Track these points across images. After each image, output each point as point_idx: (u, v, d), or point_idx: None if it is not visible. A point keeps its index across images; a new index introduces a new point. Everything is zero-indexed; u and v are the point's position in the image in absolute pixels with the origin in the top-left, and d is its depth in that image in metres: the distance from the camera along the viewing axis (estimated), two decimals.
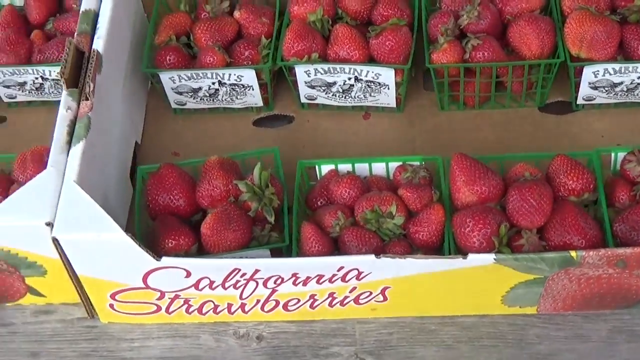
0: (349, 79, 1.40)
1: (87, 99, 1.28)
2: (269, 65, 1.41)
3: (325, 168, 1.31)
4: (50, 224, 1.17)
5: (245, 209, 1.24)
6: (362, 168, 1.31)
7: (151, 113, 1.52)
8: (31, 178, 1.28)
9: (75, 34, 1.37)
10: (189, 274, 1.19)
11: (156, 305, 1.26)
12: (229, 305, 1.25)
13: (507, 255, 1.14)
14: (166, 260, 1.17)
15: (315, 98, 1.45)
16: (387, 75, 1.38)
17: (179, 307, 1.26)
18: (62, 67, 1.30)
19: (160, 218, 1.25)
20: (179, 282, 1.21)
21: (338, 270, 1.17)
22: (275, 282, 1.20)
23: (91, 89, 1.28)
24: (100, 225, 1.16)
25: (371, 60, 1.40)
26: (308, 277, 1.19)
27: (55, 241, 1.16)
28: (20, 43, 1.47)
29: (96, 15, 1.39)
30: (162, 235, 1.22)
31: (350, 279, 1.18)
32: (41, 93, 1.50)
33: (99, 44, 1.34)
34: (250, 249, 1.23)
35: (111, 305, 1.27)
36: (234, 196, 1.25)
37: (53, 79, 1.47)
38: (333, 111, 1.48)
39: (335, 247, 1.23)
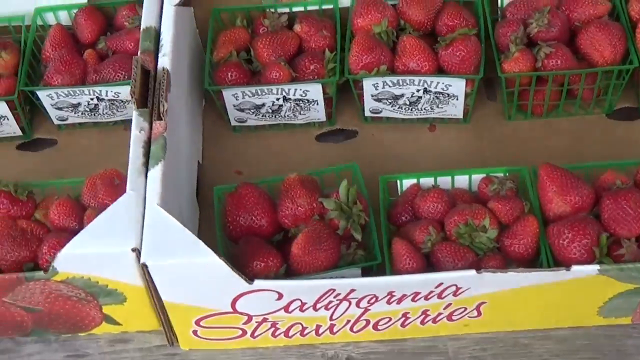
0: (418, 90, 1.37)
1: (160, 119, 1.24)
2: (336, 79, 1.38)
3: (407, 183, 1.28)
4: (136, 250, 1.14)
5: (332, 227, 1.21)
6: (442, 181, 1.28)
7: (208, 131, 1.48)
8: (104, 203, 1.24)
9: (139, 52, 1.33)
10: (280, 297, 1.15)
11: (242, 329, 1.22)
12: (318, 327, 1.22)
13: (612, 266, 1.12)
14: (258, 284, 1.13)
15: (380, 111, 1.43)
16: (457, 86, 1.36)
17: (265, 331, 1.23)
18: (132, 87, 1.26)
19: (246, 240, 1.21)
20: (269, 305, 1.17)
21: (436, 287, 1.14)
22: (368, 302, 1.17)
23: (165, 108, 1.24)
24: (192, 249, 1.12)
25: (440, 71, 1.37)
26: (404, 295, 1.16)
27: (144, 267, 1.12)
28: (75, 63, 1.43)
29: (157, 33, 1.36)
30: (250, 258, 1.19)
31: (447, 295, 1.16)
32: (94, 114, 1.46)
33: (165, 62, 1.30)
34: (341, 269, 1.19)
35: (194, 332, 1.23)
36: (318, 214, 1.22)
37: (109, 100, 1.42)
38: (397, 124, 1.45)
39: (427, 263, 1.20)
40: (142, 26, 1.36)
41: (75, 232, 1.22)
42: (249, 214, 1.23)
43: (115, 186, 1.26)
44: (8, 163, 1.47)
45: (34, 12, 1.50)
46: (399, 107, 1.41)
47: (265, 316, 1.20)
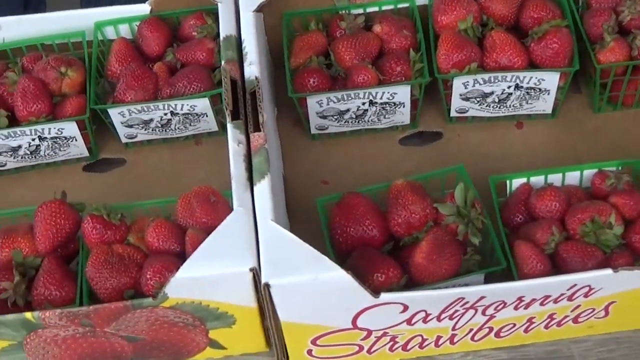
0: (509, 87, 1.33)
1: (259, 130, 1.18)
2: (425, 79, 1.33)
3: (516, 182, 1.23)
4: (253, 270, 1.07)
5: (450, 233, 1.16)
6: (552, 179, 1.24)
7: (285, 141, 1.42)
8: (202, 222, 1.18)
9: (223, 61, 1.27)
10: (405, 309, 1.10)
11: (359, 346, 1.17)
12: (438, 338, 1.16)
13: None
14: (385, 297, 1.08)
15: (467, 110, 1.38)
16: (551, 80, 1.31)
17: (383, 346, 1.17)
18: (225, 99, 1.20)
19: (360, 252, 1.16)
20: (392, 319, 1.12)
21: (568, 289, 1.10)
22: (495, 309, 1.12)
23: (265, 119, 1.18)
24: (316, 265, 1.06)
25: (531, 66, 1.33)
26: (533, 300, 1.11)
27: (266, 287, 1.06)
28: (147, 77, 1.36)
29: (238, 41, 1.30)
30: (369, 270, 1.13)
31: (578, 297, 1.11)
32: (166, 130, 1.39)
33: (254, 71, 1.25)
34: (465, 276, 1.14)
35: (309, 352, 1.17)
36: (432, 221, 1.17)
37: (184, 114, 1.36)
38: (482, 123, 1.40)
39: (552, 264, 1.15)
40: (222, 35, 1.31)
41: (177, 255, 1.17)
42: (359, 225, 1.18)
43: (212, 203, 1.20)
44: (76, 186, 1.40)
45: (94, 27, 1.43)
46: (486, 105, 1.36)
47: (386, 330, 1.14)
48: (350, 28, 1.39)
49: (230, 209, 1.21)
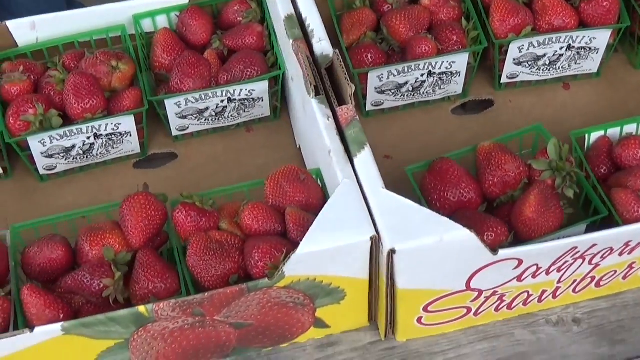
0: (561, 48, 1.35)
1: (347, 103, 1.17)
2: (483, 46, 1.34)
3: (594, 136, 1.26)
4: (374, 238, 1.06)
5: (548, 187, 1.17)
6: (628, 130, 1.27)
7: None
8: (297, 200, 1.16)
9: (291, 40, 1.25)
10: (519, 264, 1.11)
11: (467, 308, 1.17)
12: (542, 293, 1.18)
13: None
14: (502, 253, 1.08)
15: (518, 75, 1.40)
16: (602, 39, 1.35)
17: (489, 306, 1.17)
18: (308, 76, 1.19)
19: (462, 214, 1.16)
20: (504, 276, 1.12)
21: None
22: (602, 256, 1.14)
23: (353, 90, 1.17)
24: (440, 227, 1.06)
25: (581, 26, 1.36)
26: (638, 244, 1.14)
27: (390, 254, 1.05)
28: (202, 64, 1.32)
29: (300, 19, 1.29)
30: (477, 230, 1.12)
31: None
32: (219, 119, 1.36)
33: (325, 47, 1.24)
34: (569, 227, 1.16)
35: (419, 319, 1.16)
36: (527, 178, 1.18)
37: (241, 100, 1.33)
38: (530, 87, 1.43)
39: None
40: (283, 15, 1.29)
41: (280, 234, 1.14)
42: (456, 189, 1.18)
43: (303, 181, 1.18)
44: (130, 183, 1.34)
45: (134, 20, 1.39)
46: (537, 69, 1.39)
47: (496, 289, 1.14)
48: (397, 2, 1.39)
49: (319, 186, 1.20)
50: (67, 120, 1.30)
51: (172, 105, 1.32)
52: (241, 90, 1.32)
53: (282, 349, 1.19)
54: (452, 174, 1.18)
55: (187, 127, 1.37)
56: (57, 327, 1.04)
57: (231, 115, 1.36)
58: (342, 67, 1.19)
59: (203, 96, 1.31)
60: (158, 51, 1.36)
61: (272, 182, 1.19)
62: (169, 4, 1.40)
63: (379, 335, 1.20)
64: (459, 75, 1.36)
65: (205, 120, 1.36)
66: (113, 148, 1.34)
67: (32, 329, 1.04)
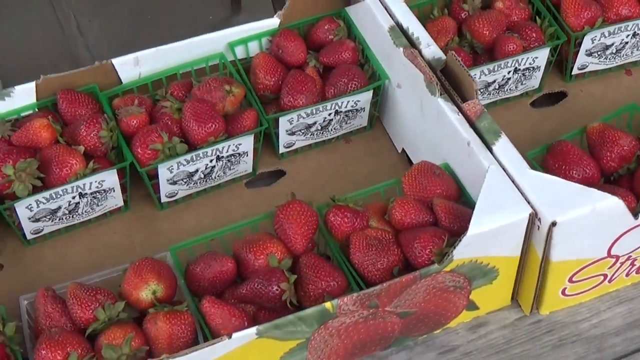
0: (627, 36, 1.48)
1: (475, 97, 1.27)
2: (562, 40, 1.45)
3: None
4: (532, 215, 1.15)
5: None
6: None
7: None
8: (438, 192, 1.25)
9: (402, 48, 1.34)
10: None
11: (604, 275, 1.26)
12: None
13: None
14: None
15: (587, 66, 1.52)
16: None
17: (622, 272, 1.27)
18: (432, 78, 1.28)
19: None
20: (638, 240, 1.23)
21: None
22: None
23: (477, 86, 1.26)
24: (590, 197, 1.16)
25: None
26: None
27: (551, 227, 1.14)
28: (310, 81, 1.40)
29: (401, 28, 1.38)
30: None
31: None
32: (324, 132, 1.44)
33: (434, 51, 1.33)
34: None
35: (563, 291, 1.25)
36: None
37: (346, 111, 1.41)
38: (597, 76, 1.55)
39: None
40: (386, 27, 1.38)
41: (431, 224, 1.22)
42: (579, 167, 1.28)
43: (438, 175, 1.26)
44: (246, 204, 1.41)
45: (229, 47, 1.45)
46: (604, 58, 1.51)
47: (630, 254, 1.24)
48: (473, 8, 1.50)
49: (451, 178, 1.28)
50: (190, 146, 1.35)
51: (284, 122, 1.39)
52: (348, 101, 1.40)
53: (436, 335, 1.26)
54: (573, 154, 1.29)
55: (294, 143, 1.44)
56: (252, 331, 1.10)
57: (334, 128, 1.44)
58: (462, 66, 1.28)
59: (314, 110, 1.38)
60: (260, 74, 1.43)
61: (409, 179, 1.27)
62: (260, 29, 1.47)
63: (521, 312, 1.28)
64: (539, 70, 1.47)
65: (311, 134, 1.43)
66: (230, 169, 1.39)
67: (229, 335, 1.09)
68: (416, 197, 1.26)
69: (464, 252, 1.15)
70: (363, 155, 1.47)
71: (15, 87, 1.37)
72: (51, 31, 2.71)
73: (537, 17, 1.49)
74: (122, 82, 1.42)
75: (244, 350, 1.11)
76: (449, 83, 1.30)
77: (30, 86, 1.38)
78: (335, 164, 1.46)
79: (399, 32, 1.37)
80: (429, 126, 1.33)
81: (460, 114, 1.27)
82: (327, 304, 1.12)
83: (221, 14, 2.78)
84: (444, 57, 1.32)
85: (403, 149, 1.45)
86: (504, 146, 1.22)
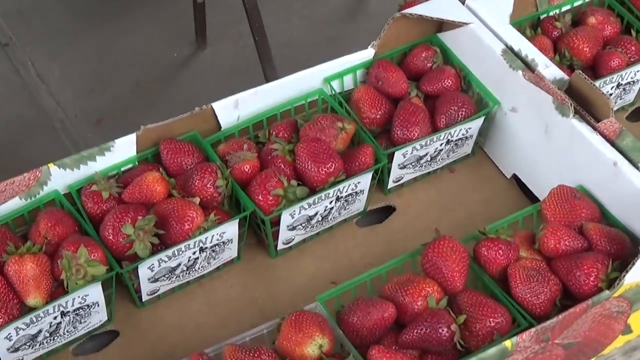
0: None
1: (611, 115, 1.24)
2: None
3: None
4: None
5: None
6: None
7: None
8: (583, 215, 1.22)
9: (519, 72, 1.31)
10: None
11: None
12: None
13: None
14: None
15: None
16: None
17: None
18: (563, 99, 1.25)
19: None
20: None
21: None
22: None
23: (613, 106, 1.24)
24: None
25: None
26: None
27: None
28: (421, 112, 1.35)
29: (512, 50, 1.34)
30: None
31: None
32: (431, 164, 1.39)
33: (554, 72, 1.31)
34: None
35: None
36: None
37: (456, 140, 1.37)
38: None
39: None
40: (498, 50, 1.34)
41: (585, 249, 1.19)
42: None
43: (579, 198, 1.23)
44: (361, 243, 1.35)
45: (325, 82, 1.40)
46: None
47: None
48: (565, 26, 1.47)
49: (591, 200, 1.25)
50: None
51: (399, 156, 1.33)
52: (460, 130, 1.36)
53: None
54: None
55: (402, 177, 1.39)
56: None
57: (441, 158, 1.39)
58: (593, 84, 1.25)
59: (428, 142, 1.34)
60: (365, 108, 1.37)
61: (550, 204, 1.23)
62: (354, 62, 1.42)
63: None
64: (637, 84, 1.45)
65: (420, 167, 1.38)
66: (344, 209, 1.33)
67: None
68: (561, 222, 1.22)
69: (633, 275, 1.11)
70: (471, 184, 1.43)
71: (116, 140, 1.29)
72: (10, 81, 2.57)
73: (629, 30, 1.48)
74: (221, 127, 1.36)
75: None
76: (577, 103, 1.27)
77: (131, 138, 1.30)
78: (444, 195, 1.41)
79: (512, 55, 1.33)
80: (558, 149, 1.29)
81: (597, 133, 1.23)
82: (507, 343, 1.07)
83: (185, 51, 2.64)
84: (566, 77, 1.29)
85: (514, 174, 1.41)
86: None
